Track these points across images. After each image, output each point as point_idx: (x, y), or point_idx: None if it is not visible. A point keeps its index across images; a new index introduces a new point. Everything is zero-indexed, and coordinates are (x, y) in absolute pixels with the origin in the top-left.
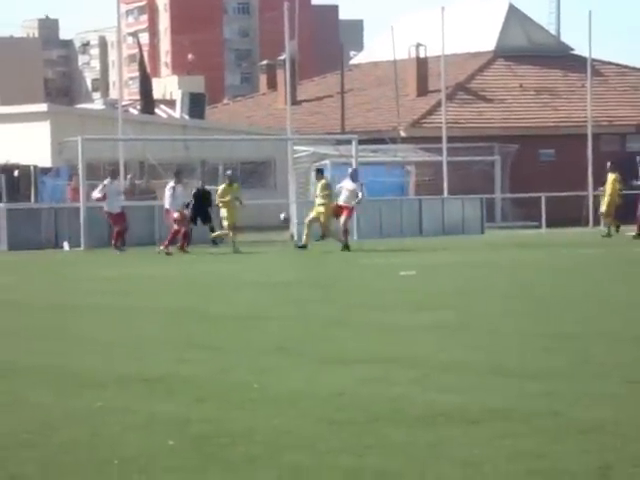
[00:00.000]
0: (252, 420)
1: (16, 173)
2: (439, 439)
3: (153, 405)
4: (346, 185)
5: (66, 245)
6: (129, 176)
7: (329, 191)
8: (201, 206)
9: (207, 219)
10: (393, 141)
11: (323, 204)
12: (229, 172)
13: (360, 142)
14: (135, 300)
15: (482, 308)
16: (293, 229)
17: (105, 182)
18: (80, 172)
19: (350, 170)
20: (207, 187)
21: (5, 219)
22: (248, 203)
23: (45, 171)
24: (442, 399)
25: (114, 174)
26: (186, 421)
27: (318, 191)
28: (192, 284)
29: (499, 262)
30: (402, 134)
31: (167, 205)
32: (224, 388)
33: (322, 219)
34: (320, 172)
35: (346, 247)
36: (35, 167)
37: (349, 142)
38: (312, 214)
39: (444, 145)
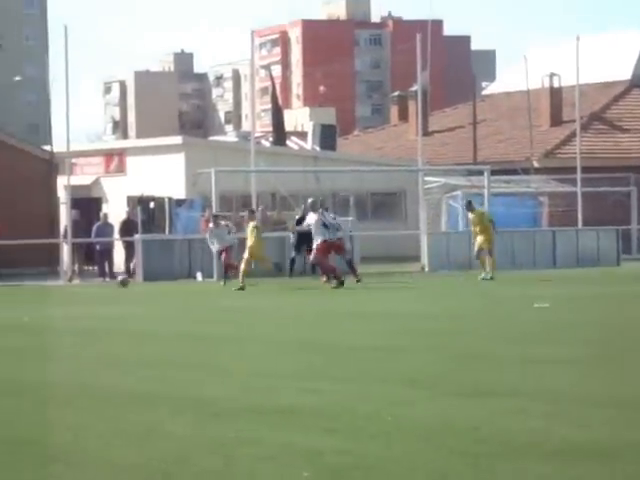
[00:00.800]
0: (386, 452)
1: (152, 205)
2: (577, 474)
3: (286, 436)
4: (309, 220)
5: (199, 276)
6: (261, 207)
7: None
8: (304, 236)
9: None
10: (526, 172)
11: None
12: (469, 200)
13: (492, 173)
14: (265, 330)
15: (619, 341)
16: (424, 260)
17: (210, 226)
18: (213, 203)
19: (309, 201)
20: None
21: (141, 250)
22: (378, 234)
23: (179, 203)
24: (579, 433)
25: (216, 220)
26: (319, 452)
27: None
28: (321, 315)
29: (636, 294)
30: (535, 165)
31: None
32: (356, 419)
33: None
34: (252, 212)
35: (341, 283)
36: (170, 199)
37: (481, 173)
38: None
39: (579, 176)
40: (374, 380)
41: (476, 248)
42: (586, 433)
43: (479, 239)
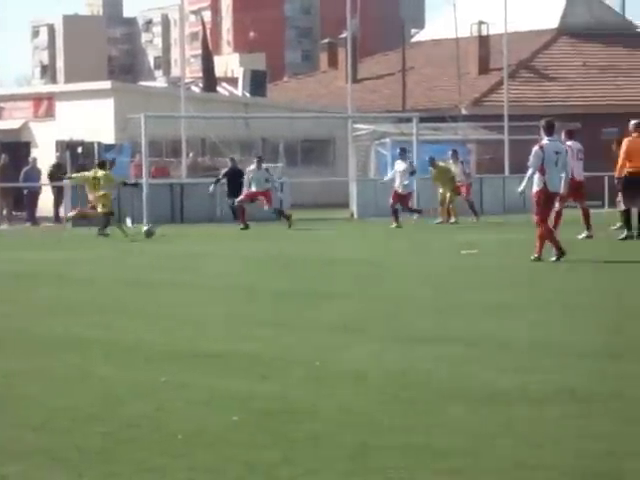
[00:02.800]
0: (315, 398)
1: (80, 150)
2: (505, 418)
3: (217, 381)
4: (398, 167)
5: (129, 221)
6: (191, 154)
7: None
8: (236, 183)
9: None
10: (454, 119)
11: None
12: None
13: (421, 120)
14: (198, 277)
15: (548, 285)
16: (353, 207)
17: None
18: (143, 149)
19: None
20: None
21: (70, 195)
22: (307, 181)
23: (108, 148)
24: (507, 378)
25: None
26: (249, 397)
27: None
28: (252, 261)
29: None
30: (463, 112)
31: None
32: (286, 365)
33: None
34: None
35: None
36: (99, 144)
37: (410, 120)
38: None
39: (506, 123)
40: (305, 326)
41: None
42: (512, 378)
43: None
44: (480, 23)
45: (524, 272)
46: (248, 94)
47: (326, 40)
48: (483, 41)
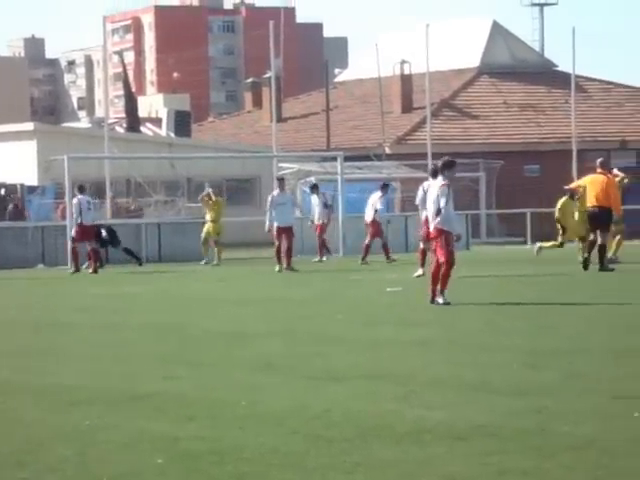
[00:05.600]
0: (240, 438)
1: (2, 191)
2: (427, 456)
3: (141, 423)
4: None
5: (40, 266)
6: (110, 195)
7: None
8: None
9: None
10: (378, 158)
11: None
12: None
13: (345, 159)
14: (121, 317)
15: (468, 324)
16: None
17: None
18: (66, 190)
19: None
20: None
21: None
22: (233, 220)
23: (31, 190)
24: (429, 415)
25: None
26: (174, 439)
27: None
28: (176, 302)
29: (485, 278)
30: (387, 151)
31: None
32: (212, 405)
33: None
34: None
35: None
36: (22, 185)
37: (334, 159)
38: None
39: (429, 161)
40: (231, 366)
41: None
42: (435, 415)
43: None
44: (402, 62)
45: (444, 309)
46: (172, 134)
47: (250, 80)
48: (405, 80)
